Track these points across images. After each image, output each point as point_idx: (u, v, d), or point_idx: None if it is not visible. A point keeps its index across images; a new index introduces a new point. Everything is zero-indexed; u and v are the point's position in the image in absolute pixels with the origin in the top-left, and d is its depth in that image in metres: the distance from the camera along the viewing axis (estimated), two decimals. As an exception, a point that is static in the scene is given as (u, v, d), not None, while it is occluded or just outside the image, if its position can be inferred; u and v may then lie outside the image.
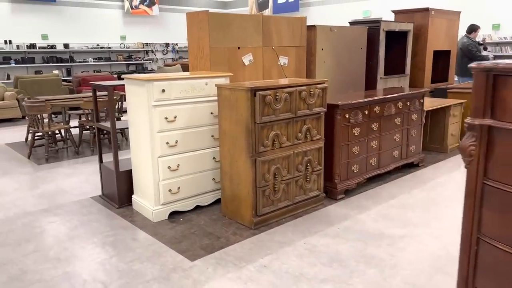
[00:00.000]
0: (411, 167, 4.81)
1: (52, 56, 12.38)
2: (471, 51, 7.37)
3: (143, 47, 14.47)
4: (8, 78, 11.47)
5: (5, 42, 11.49)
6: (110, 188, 3.92)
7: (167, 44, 15.16)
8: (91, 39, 13.20)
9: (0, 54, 11.55)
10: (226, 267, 2.73)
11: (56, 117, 8.34)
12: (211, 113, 3.61)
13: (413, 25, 6.16)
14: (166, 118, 3.34)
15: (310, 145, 3.54)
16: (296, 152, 3.44)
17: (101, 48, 13.37)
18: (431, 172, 4.69)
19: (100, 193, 4.19)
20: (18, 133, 7.51)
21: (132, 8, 13.99)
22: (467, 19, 7.72)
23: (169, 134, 3.39)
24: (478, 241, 1.71)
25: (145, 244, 3.09)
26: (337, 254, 2.88)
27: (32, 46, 11.95)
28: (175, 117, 3.40)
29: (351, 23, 6.08)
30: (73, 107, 6.80)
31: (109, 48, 13.56)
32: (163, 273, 2.67)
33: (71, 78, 12.06)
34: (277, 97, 3.18)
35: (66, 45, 12.58)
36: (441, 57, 6.86)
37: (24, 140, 6.78)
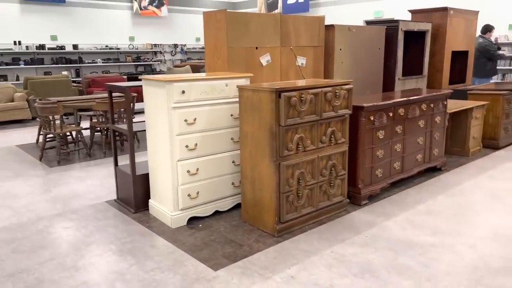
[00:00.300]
0: (434, 171, 4.65)
1: (61, 57, 12.32)
2: (489, 50, 7.23)
3: (151, 48, 14.39)
4: (17, 79, 11.42)
5: (15, 43, 11.44)
6: (126, 192, 3.80)
7: (175, 45, 15.06)
8: (100, 40, 13.13)
9: (9, 55, 11.50)
10: (251, 277, 2.60)
11: (67, 118, 8.25)
12: (231, 115, 3.48)
13: (431, 25, 6.00)
14: (185, 120, 3.22)
15: (335, 149, 3.40)
16: (320, 156, 3.30)
17: (110, 49, 13.30)
18: (455, 176, 4.53)
19: (115, 197, 4.08)
20: (28, 134, 7.43)
21: (141, 9, 13.91)
22: (482, 19, 7.54)
23: (188, 137, 3.27)
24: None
25: (165, 252, 2.96)
26: (368, 264, 2.73)
27: (41, 47, 11.89)
28: (195, 119, 3.27)
29: (367, 22, 5.92)
30: (83, 109, 6.70)
31: (118, 49, 13.48)
32: (186, 284, 2.54)
33: (80, 79, 11.99)
34: (302, 98, 3.04)
35: (75, 46, 12.52)
36: (458, 57, 6.69)
37: (35, 141, 6.70)
